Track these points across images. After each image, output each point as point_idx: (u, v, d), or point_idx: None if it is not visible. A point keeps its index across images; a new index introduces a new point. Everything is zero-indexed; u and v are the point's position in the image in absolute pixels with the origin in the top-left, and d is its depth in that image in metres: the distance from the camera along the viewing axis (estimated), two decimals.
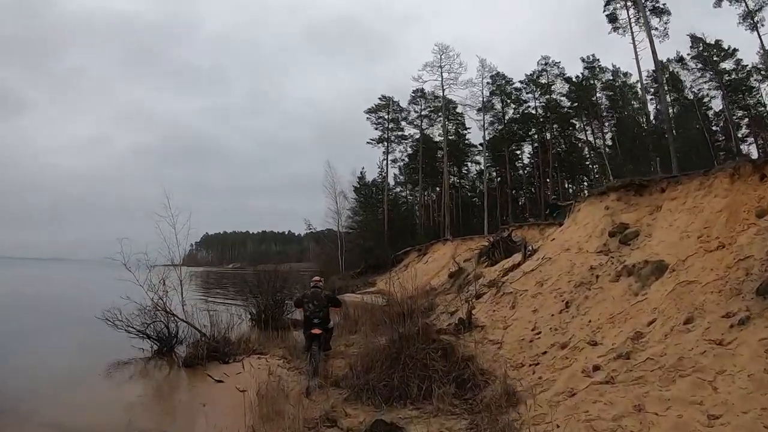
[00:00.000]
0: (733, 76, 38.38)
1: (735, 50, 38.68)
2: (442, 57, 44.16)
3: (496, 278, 11.11)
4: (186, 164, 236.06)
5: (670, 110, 44.57)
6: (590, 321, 6.25)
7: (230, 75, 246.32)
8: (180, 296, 10.54)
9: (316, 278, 9.43)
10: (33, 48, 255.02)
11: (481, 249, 22.68)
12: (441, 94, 46.30)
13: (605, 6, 37.56)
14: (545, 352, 6.01)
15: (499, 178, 52.88)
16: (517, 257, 12.64)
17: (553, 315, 6.90)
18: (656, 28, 35.33)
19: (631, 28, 35.84)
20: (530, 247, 11.38)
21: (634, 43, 35.42)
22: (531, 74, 47.85)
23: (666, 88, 42.81)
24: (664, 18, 35.35)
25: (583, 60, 46.31)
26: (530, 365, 5.85)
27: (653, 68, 37.99)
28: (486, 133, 46.99)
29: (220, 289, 34.80)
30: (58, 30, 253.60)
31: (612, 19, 37.20)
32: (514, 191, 53.11)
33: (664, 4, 35.63)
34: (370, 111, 49.61)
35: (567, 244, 9.37)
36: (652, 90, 42.05)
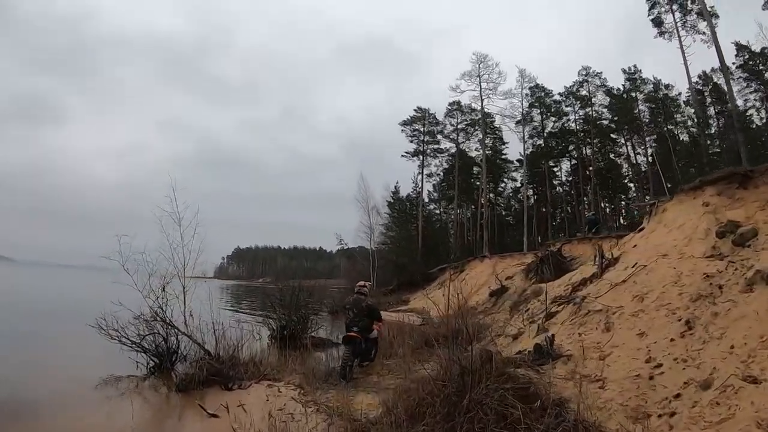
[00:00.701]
0: None
1: None
2: (481, 66, 42.37)
3: (564, 294, 9.08)
4: (220, 176, 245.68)
5: (713, 122, 41.94)
6: (733, 347, 4.31)
7: (263, 89, 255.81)
8: (183, 306, 8.85)
9: (362, 283, 8.92)
10: (76, 60, 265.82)
11: (528, 265, 20.63)
12: (479, 105, 44.41)
13: (649, 10, 35.27)
14: (678, 395, 4.04)
15: (535, 196, 50.69)
16: (586, 269, 10.60)
17: (672, 339, 4.92)
18: (703, 33, 32.94)
19: (678, 31, 33.41)
20: (608, 256, 9.26)
21: (681, 47, 32.94)
22: (571, 86, 45.75)
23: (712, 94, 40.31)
24: (714, 21, 32.77)
25: (624, 71, 44.01)
26: (661, 415, 3.90)
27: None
28: (525, 146, 44.75)
29: (248, 300, 33.46)
30: (101, 44, 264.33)
31: (657, 23, 34.84)
32: (551, 209, 50.62)
33: (712, 7, 33.21)
34: (405, 123, 48.20)
35: (661, 249, 7.39)
36: (704, 94, 39.03)
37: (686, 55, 32.91)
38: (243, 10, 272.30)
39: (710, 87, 40.47)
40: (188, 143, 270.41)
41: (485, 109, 42.00)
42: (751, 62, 35.89)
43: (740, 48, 35.55)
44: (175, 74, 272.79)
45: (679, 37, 33.30)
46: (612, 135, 45.86)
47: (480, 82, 42.57)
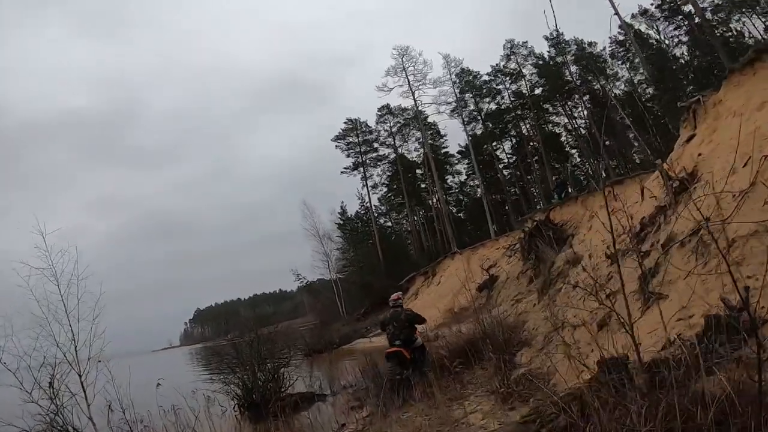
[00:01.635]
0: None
1: None
2: (404, 59, 40.04)
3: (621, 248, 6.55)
4: (165, 241, 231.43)
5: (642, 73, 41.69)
6: None
7: (185, 149, 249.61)
8: (86, 404, 5.84)
9: (395, 296, 8.72)
10: None
11: (509, 247, 18.37)
12: (410, 100, 42.00)
13: None
14: None
15: (485, 183, 49.23)
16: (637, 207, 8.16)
17: None
18: None
19: None
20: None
21: None
22: (497, 64, 44.69)
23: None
24: None
25: (546, 38, 43.22)
26: None
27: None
28: (466, 131, 43.12)
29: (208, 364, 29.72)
30: (14, 135, 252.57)
31: None
32: (500, 195, 49.33)
33: None
34: (337, 138, 45.66)
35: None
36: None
37: None
38: (145, 81, 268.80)
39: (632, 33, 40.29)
40: (126, 215, 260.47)
41: (418, 101, 39.59)
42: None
43: None
44: (96, 152, 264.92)
45: None
46: (545, 105, 45.03)
47: (407, 75, 40.41)
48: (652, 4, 36.09)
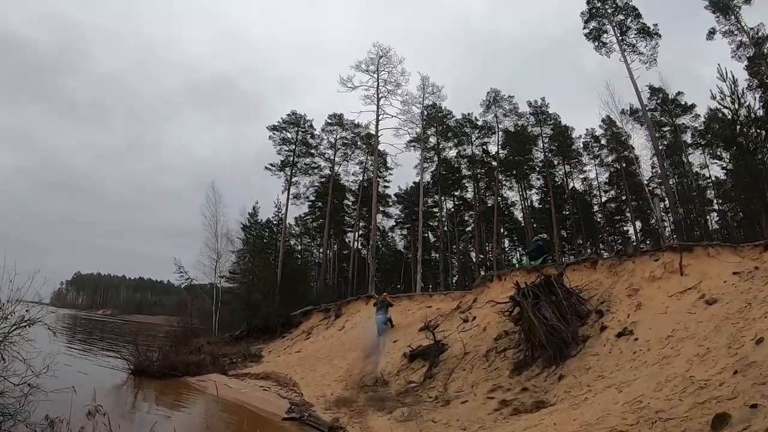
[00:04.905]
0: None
1: (692, 106, 34.24)
2: (381, 61, 33.95)
3: None
4: (64, 197, 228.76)
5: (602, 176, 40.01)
6: None
7: (110, 115, 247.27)
8: None
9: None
10: None
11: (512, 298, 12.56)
12: (367, 116, 36.51)
13: (585, 24, 31.21)
14: None
15: (409, 237, 44.68)
16: None
17: None
18: (641, 53, 29.50)
19: (621, 46, 29.15)
20: None
21: (626, 61, 28.50)
22: (469, 113, 40.71)
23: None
24: (653, 42, 29.56)
25: (529, 104, 40.13)
26: None
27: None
28: (420, 168, 37.82)
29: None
30: None
31: (595, 37, 30.74)
32: (432, 253, 44.63)
33: (655, 25, 29.97)
34: (274, 128, 38.72)
35: None
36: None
37: (633, 70, 28.38)
38: (97, 36, 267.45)
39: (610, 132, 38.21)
40: (33, 157, 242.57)
41: (381, 111, 33.32)
42: (664, 106, 33.72)
43: (654, 91, 33.12)
44: (24, 83, 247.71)
45: (623, 51, 28.98)
46: (500, 176, 41.39)
47: (378, 77, 34.09)
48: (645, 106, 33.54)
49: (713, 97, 25.80)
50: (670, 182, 33.27)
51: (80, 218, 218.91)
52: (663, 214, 31.27)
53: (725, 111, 26.02)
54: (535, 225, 40.60)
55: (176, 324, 29.36)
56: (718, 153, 32.26)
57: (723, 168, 32.14)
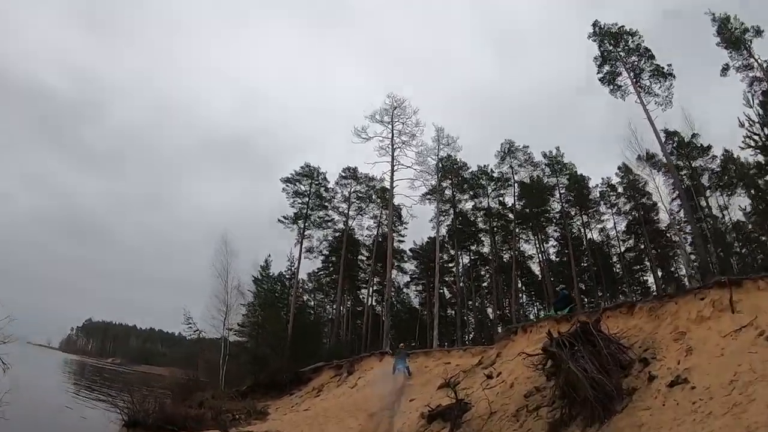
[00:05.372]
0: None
1: (709, 147, 33.38)
2: (395, 112, 33.80)
3: None
4: (80, 243, 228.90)
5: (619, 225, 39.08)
6: None
7: (129, 166, 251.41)
8: None
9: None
10: None
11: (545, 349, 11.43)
12: (382, 167, 35.61)
13: (599, 68, 31.19)
14: None
15: (424, 293, 43.62)
16: None
17: None
18: (657, 95, 29.13)
19: (636, 88, 28.84)
20: None
21: (642, 102, 28.13)
22: (484, 166, 40.38)
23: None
24: (667, 83, 29.20)
25: (544, 155, 39.73)
26: None
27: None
28: (437, 222, 37.12)
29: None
30: None
31: (610, 80, 30.58)
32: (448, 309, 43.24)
33: (669, 65, 29.67)
34: (288, 180, 38.52)
35: None
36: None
37: (650, 111, 27.98)
38: (118, 88, 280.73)
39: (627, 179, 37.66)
40: (54, 203, 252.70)
41: (396, 161, 32.97)
42: (680, 150, 33.11)
43: (669, 134, 32.61)
44: (47, 131, 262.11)
45: (639, 92, 28.68)
46: (517, 229, 40.53)
47: (392, 127, 33.78)
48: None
49: (741, 125, 25.02)
50: (688, 228, 32.32)
51: (95, 266, 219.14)
52: (691, 257, 29.91)
53: (755, 138, 25.07)
54: (552, 279, 39.24)
55: (181, 376, 28.02)
56: (738, 193, 31.46)
57: (741, 209, 31.23)
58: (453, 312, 42.25)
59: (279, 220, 38.52)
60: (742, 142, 25.73)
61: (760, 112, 25.31)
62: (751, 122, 24.71)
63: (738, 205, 31.75)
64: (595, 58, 31.52)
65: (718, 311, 7.86)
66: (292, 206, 38.77)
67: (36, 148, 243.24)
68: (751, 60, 28.02)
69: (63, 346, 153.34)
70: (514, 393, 9.63)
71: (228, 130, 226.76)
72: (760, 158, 26.07)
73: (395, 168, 32.90)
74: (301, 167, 39.51)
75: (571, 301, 16.20)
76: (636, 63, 29.90)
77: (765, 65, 27.18)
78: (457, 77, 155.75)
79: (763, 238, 29.97)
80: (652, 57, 29.91)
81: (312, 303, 45.33)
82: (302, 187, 38.72)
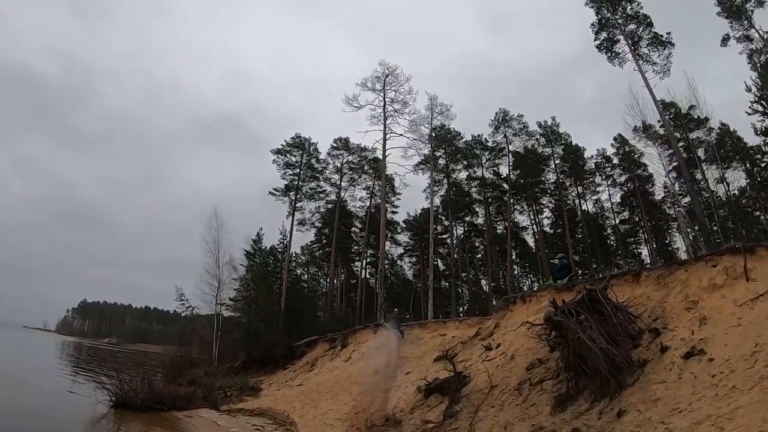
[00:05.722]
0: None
1: (706, 119, 32.71)
2: (387, 79, 32.82)
3: None
4: (74, 227, 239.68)
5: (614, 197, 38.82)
6: None
7: (121, 148, 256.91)
8: None
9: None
10: None
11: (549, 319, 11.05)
12: (374, 136, 35.21)
13: (596, 35, 30.15)
14: None
15: (418, 265, 43.24)
16: None
17: None
18: (655, 63, 28.31)
19: (635, 56, 27.92)
20: None
21: (641, 70, 27.25)
22: (478, 136, 39.55)
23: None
24: (666, 51, 28.26)
25: (539, 125, 39.02)
26: None
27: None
28: (431, 192, 36.47)
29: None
30: None
31: (607, 48, 29.69)
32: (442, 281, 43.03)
33: (668, 34, 28.66)
34: (278, 151, 37.56)
35: None
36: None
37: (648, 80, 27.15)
38: (107, 70, 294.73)
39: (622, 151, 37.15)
40: (44, 188, 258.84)
41: (389, 129, 31.99)
42: (677, 121, 32.47)
43: (666, 106, 31.82)
44: (38, 116, 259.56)
45: (637, 60, 27.72)
46: (512, 200, 40.03)
47: (384, 95, 32.83)
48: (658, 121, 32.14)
49: (748, 89, 24.44)
50: (685, 200, 32.01)
51: (89, 248, 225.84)
52: (689, 229, 29.54)
53: (763, 103, 24.51)
54: (547, 250, 38.95)
55: (174, 353, 27.70)
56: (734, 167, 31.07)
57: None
58: (447, 284, 42.00)
59: (270, 192, 37.82)
60: (749, 107, 25.16)
61: (759, 83, 24.67)
62: (758, 86, 24.06)
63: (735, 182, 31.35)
64: (592, 24, 30.47)
65: (732, 279, 7.42)
66: (284, 178, 38.00)
67: (27, 134, 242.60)
68: (752, 31, 27.27)
69: (59, 328, 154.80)
70: (515, 365, 9.23)
71: (218, 109, 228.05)
72: None
73: (387, 136, 32.08)
74: (292, 138, 38.54)
75: (570, 270, 15.86)
76: (634, 30, 28.96)
77: (766, 36, 26.46)
78: (449, 49, 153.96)
79: (757, 213, 29.64)
80: (651, 24, 29.04)
81: (305, 276, 44.86)
82: (293, 158, 37.85)
